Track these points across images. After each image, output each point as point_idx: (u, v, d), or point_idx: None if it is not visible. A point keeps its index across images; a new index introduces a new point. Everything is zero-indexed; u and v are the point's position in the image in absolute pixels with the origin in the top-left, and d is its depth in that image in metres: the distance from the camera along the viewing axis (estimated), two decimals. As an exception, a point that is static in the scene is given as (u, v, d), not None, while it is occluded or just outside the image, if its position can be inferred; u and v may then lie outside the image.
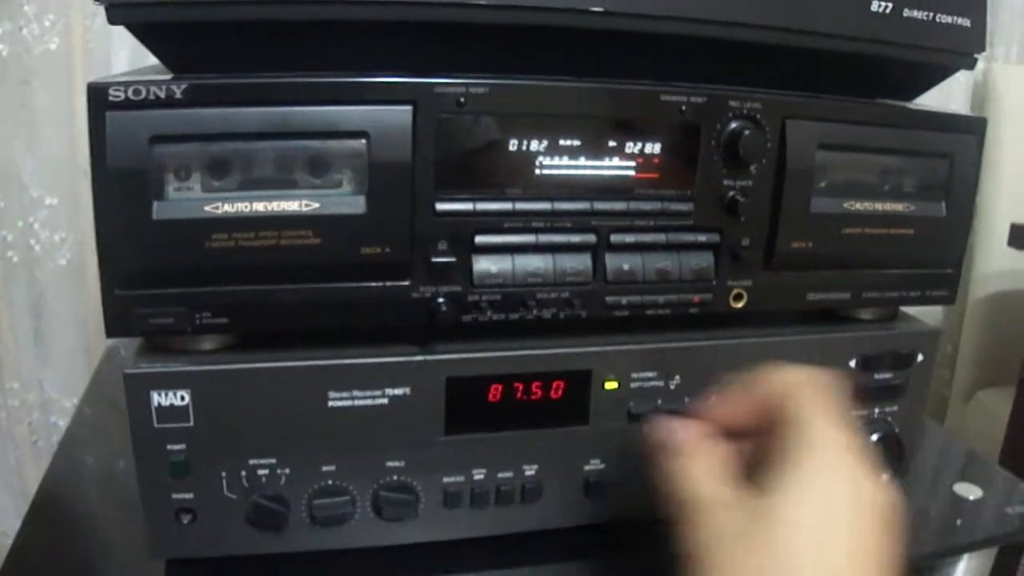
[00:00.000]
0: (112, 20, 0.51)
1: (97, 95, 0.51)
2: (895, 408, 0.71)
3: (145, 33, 0.54)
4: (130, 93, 0.51)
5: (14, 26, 1.29)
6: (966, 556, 0.75)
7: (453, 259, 0.58)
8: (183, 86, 0.51)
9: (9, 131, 1.33)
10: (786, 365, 0.51)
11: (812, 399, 0.48)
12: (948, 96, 1.76)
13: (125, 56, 1.34)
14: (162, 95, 0.51)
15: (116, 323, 0.55)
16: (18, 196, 1.35)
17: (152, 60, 0.57)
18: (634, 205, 0.61)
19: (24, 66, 1.31)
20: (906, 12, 0.61)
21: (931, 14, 0.62)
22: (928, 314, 0.75)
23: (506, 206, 0.58)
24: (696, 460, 0.50)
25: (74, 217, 1.38)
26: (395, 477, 0.60)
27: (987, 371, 1.85)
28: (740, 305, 0.65)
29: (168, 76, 0.52)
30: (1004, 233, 1.51)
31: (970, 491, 0.77)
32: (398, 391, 0.58)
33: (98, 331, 1.41)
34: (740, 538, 0.43)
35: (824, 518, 0.43)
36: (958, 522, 0.74)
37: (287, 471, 0.59)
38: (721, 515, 0.45)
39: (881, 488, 0.46)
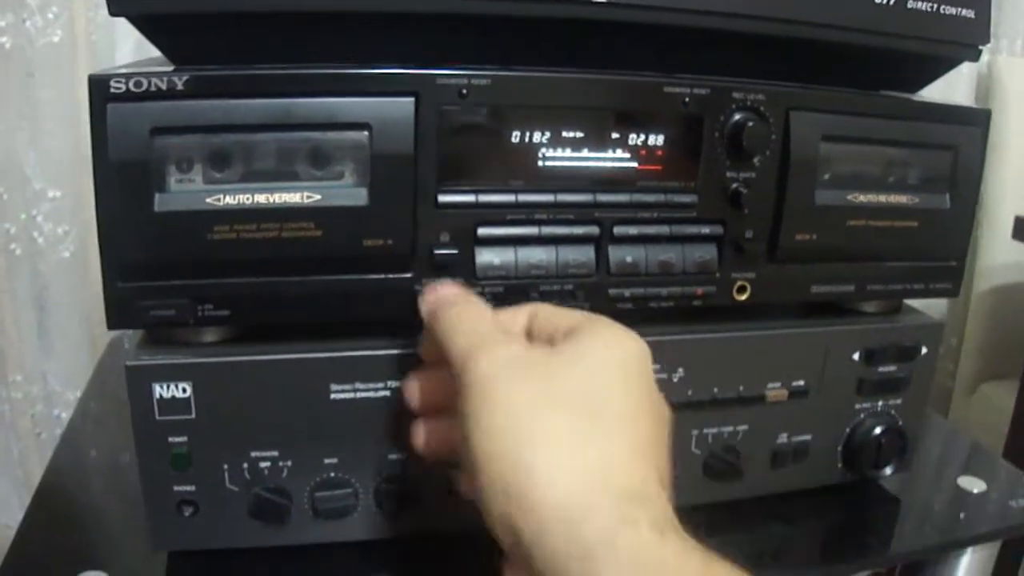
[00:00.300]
0: (113, 11, 0.51)
1: (98, 87, 0.51)
2: (899, 401, 0.71)
3: (146, 24, 0.54)
4: (131, 85, 0.51)
5: (17, 18, 1.29)
6: (970, 549, 0.75)
7: (455, 251, 0.58)
8: (184, 78, 0.51)
9: (12, 124, 1.33)
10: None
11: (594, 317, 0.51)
12: (952, 88, 1.76)
13: (129, 49, 1.34)
14: (163, 87, 0.51)
15: (118, 315, 0.55)
16: (21, 189, 1.35)
17: (156, 53, 0.57)
18: (637, 197, 0.60)
19: (27, 59, 1.31)
20: (910, 3, 0.61)
21: (935, 5, 0.62)
22: (932, 307, 0.75)
23: (509, 198, 0.58)
24: (472, 306, 0.51)
25: (77, 210, 1.38)
26: (397, 469, 0.60)
27: (991, 364, 1.85)
28: (743, 298, 0.65)
29: (169, 68, 0.52)
30: (1008, 226, 1.50)
31: (974, 484, 0.77)
32: (400, 383, 0.58)
33: (101, 323, 1.40)
34: (517, 367, 0.45)
35: (599, 364, 0.46)
36: (962, 515, 0.74)
37: (289, 463, 0.58)
38: (500, 348, 0.46)
39: (642, 345, 0.48)
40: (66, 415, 1.48)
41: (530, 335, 0.52)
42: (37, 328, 1.44)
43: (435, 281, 0.56)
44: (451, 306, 0.51)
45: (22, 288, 1.40)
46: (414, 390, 0.54)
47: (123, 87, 0.51)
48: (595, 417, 0.43)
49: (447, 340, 0.49)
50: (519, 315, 0.52)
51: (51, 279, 1.41)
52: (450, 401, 0.47)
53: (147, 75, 0.51)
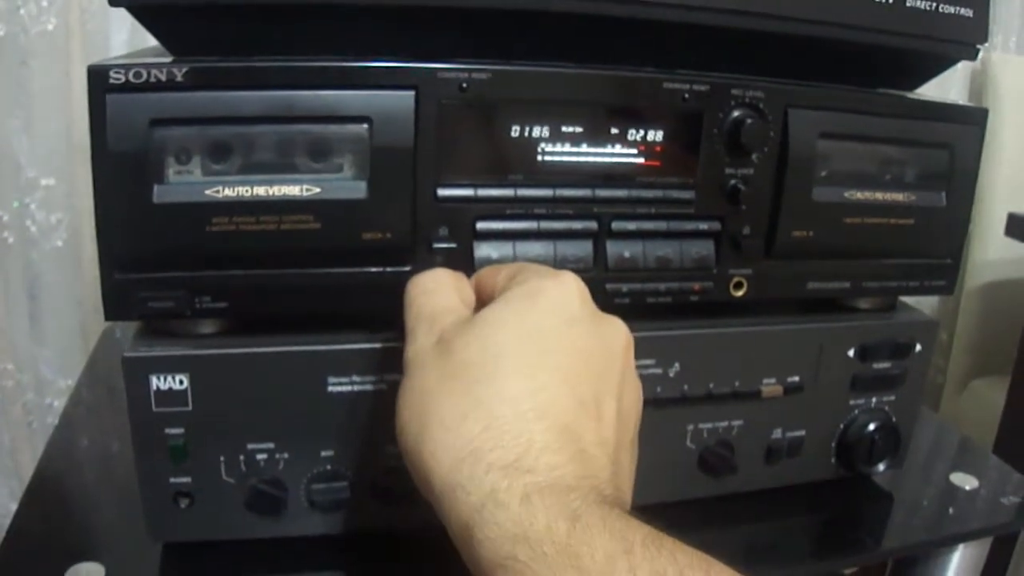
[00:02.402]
0: (114, 2, 0.51)
1: (97, 77, 0.51)
2: (892, 398, 0.72)
3: (146, 15, 0.54)
4: (131, 76, 0.51)
5: (11, 6, 1.28)
6: (961, 546, 0.75)
7: (454, 245, 0.58)
8: (184, 69, 0.51)
9: (6, 111, 1.32)
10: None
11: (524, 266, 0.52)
12: (947, 85, 1.76)
13: (124, 37, 1.33)
14: (163, 78, 0.51)
15: (115, 306, 0.55)
16: (14, 177, 1.35)
17: (151, 42, 0.57)
18: (636, 192, 0.61)
19: (21, 46, 1.30)
20: (909, 2, 0.61)
21: (934, 4, 0.62)
22: (923, 303, 0.75)
23: (508, 192, 0.58)
24: (431, 282, 0.52)
25: (70, 198, 1.37)
26: (393, 462, 0.60)
27: (982, 360, 1.86)
28: (740, 293, 0.65)
29: (169, 59, 0.52)
30: (1001, 222, 1.51)
31: (966, 481, 0.78)
32: (398, 377, 0.58)
33: (94, 312, 1.41)
34: (436, 347, 0.47)
35: (499, 327, 0.46)
36: (952, 511, 0.74)
37: (285, 455, 0.59)
38: (427, 332, 0.48)
39: (566, 286, 0.49)
40: (58, 404, 1.48)
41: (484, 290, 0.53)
42: (29, 316, 1.43)
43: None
44: (417, 276, 0.53)
45: (14, 276, 1.39)
46: None
47: (122, 78, 0.51)
48: (484, 387, 0.44)
49: (404, 311, 0.51)
50: (501, 272, 0.53)
51: (43, 268, 1.40)
52: None
53: (147, 66, 0.51)
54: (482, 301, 0.52)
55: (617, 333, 0.49)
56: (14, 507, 1.40)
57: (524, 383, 0.44)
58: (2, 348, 1.42)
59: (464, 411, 0.43)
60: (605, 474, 0.43)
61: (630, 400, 0.49)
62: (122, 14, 0.54)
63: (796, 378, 0.67)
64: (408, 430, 0.44)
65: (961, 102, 0.72)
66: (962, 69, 1.81)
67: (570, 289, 0.49)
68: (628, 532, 0.38)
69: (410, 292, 0.52)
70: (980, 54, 0.66)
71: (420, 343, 0.48)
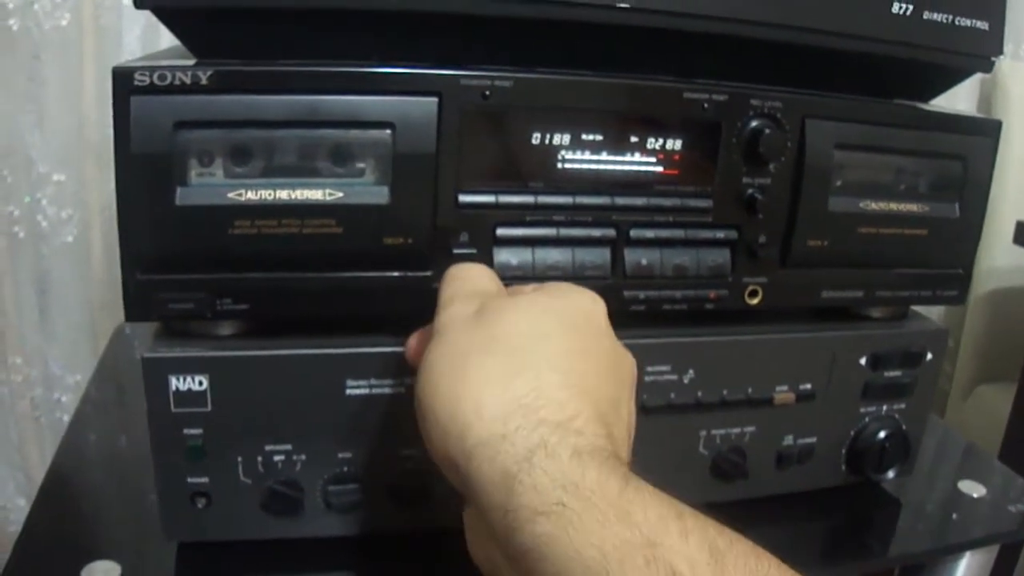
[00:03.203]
0: (139, 4, 0.51)
1: (122, 79, 0.51)
2: (903, 406, 0.72)
3: (171, 18, 0.54)
4: (155, 78, 0.51)
5: (25, 0, 1.28)
6: (967, 554, 0.75)
7: (474, 251, 0.58)
8: (209, 72, 0.51)
9: (18, 106, 1.32)
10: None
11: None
12: (956, 93, 1.75)
13: (137, 33, 1.33)
14: (187, 80, 0.51)
15: (136, 307, 0.55)
16: (26, 171, 1.35)
17: (164, 37, 0.57)
18: (654, 201, 0.61)
19: (34, 41, 1.30)
20: (926, 15, 0.61)
21: (950, 17, 0.62)
22: (931, 309, 0.76)
23: (528, 199, 0.59)
24: (474, 269, 0.54)
25: (81, 194, 1.37)
26: (410, 465, 0.60)
27: (988, 366, 1.86)
28: (755, 302, 0.65)
29: (193, 61, 0.52)
30: (1009, 230, 1.51)
31: (973, 488, 0.78)
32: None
33: (103, 308, 1.42)
34: (471, 317, 0.48)
35: (545, 307, 0.48)
36: (957, 518, 0.75)
37: (303, 457, 0.59)
38: (467, 301, 0.50)
39: (595, 300, 0.51)
40: (66, 399, 1.48)
41: None
42: (38, 311, 1.43)
43: None
44: (460, 265, 0.54)
45: (24, 271, 1.40)
46: (414, 343, 0.55)
47: (147, 80, 0.51)
48: (530, 355, 0.45)
49: (441, 288, 0.52)
50: (530, 287, 0.54)
51: (54, 263, 1.41)
52: None
53: (171, 68, 0.51)
54: None
55: (630, 357, 0.51)
56: (21, 501, 1.41)
57: (570, 364, 0.45)
58: (11, 342, 1.43)
59: (514, 370, 0.44)
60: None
61: (633, 421, 0.50)
62: (136, 12, 0.54)
63: (808, 386, 0.68)
64: (441, 385, 0.45)
65: (973, 113, 0.72)
66: (972, 77, 1.80)
67: (601, 306, 0.51)
68: (676, 501, 0.39)
69: (451, 271, 0.54)
70: (993, 68, 0.66)
71: (458, 310, 0.49)
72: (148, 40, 1.31)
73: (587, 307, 0.50)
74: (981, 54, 0.65)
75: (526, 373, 0.44)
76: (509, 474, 0.40)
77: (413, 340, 0.55)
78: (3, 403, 1.47)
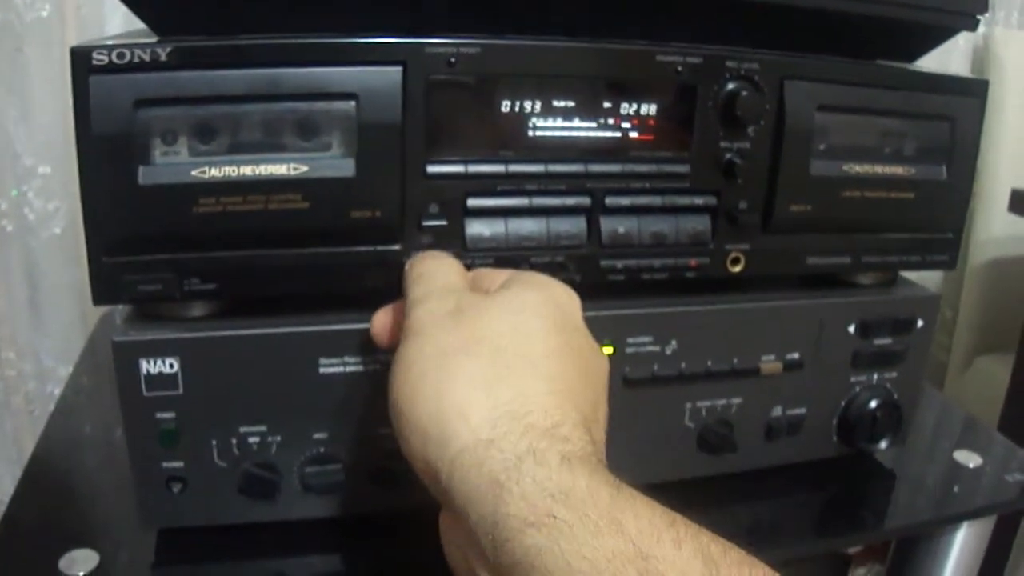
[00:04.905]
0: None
1: (80, 59, 0.50)
2: (894, 374, 0.71)
3: (130, -6, 0.53)
4: (114, 56, 0.50)
5: (5, -8, 1.28)
6: (965, 524, 0.75)
7: (445, 222, 0.57)
8: (168, 49, 0.50)
9: (2, 99, 1.31)
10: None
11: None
12: (947, 61, 1.75)
13: (118, 22, 1.32)
14: (147, 58, 0.50)
15: (103, 290, 0.54)
16: (11, 165, 1.34)
17: (142, 27, 0.56)
18: (629, 167, 0.60)
19: (15, 33, 1.30)
20: (908, -30, 0.60)
21: (933, -28, 0.61)
22: (927, 279, 0.75)
23: (498, 168, 0.57)
24: (443, 263, 0.53)
25: (68, 186, 1.37)
26: (388, 444, 0.59)
27: (986, 337, 1.85)
28: (738, 269, 0.64)
29: (153, 39, 0.51)
30: (1004, 198, 1.50)
31: (970, 459, 0.77)
32: (390, 357, 0.57)
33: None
34: (449, 316, 0.47)
35: (523, 306, 0.47)
36: (957, 489, 0.74)
37: (278, 439, 0.58)
38: (442, 299, 0.48)
39: (571, 295, 0.51)
40: (59, 392, 1.47)
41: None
42: (29, 305, 1.43)
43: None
44: (424, 256, 0.54)
45: (13, 264, 1.39)
46: (382, 320, 0.54)
47: (106, 59, 0.50)
48: (514, 358, 0.44)
49: (408, 288, 0.51)
50: (499, 276, 0.53)
51: (42, 256, 1.40)
52: None
53: (130, 46, 0.50)
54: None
55: (604, 355, 0.51)
56: (17, 495, 1.39)
57: (553, 367, 0.45)
58: (3, 337, 1.43)
59: (497, 374, 0.43)
60: None
61: (606, 422, 0.49)
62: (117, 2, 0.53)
63: (796, 355, 0.67)
64: (421, 388, 0.44)
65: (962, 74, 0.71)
66: (963, 45, 1.79)
67: (576, 301, 0.51)
68: (668, 510, 0.38)
69: (417, 268, 0.52)
70: (981, 29, 0.65)
71: (432, 308, 0.48)
72: (131, 27, 1.30)
73: (564, 301, 0.49)
74: (965, 11, 0.64)
75: (511, 377, 0.43)
76: (497, 482, 0.39)
77: (380, 317, 0.54)
78: (-3, 398, 1.47)
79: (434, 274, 0.51)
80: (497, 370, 0.43)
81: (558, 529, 0.37)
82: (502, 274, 0.52)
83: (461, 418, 0.41)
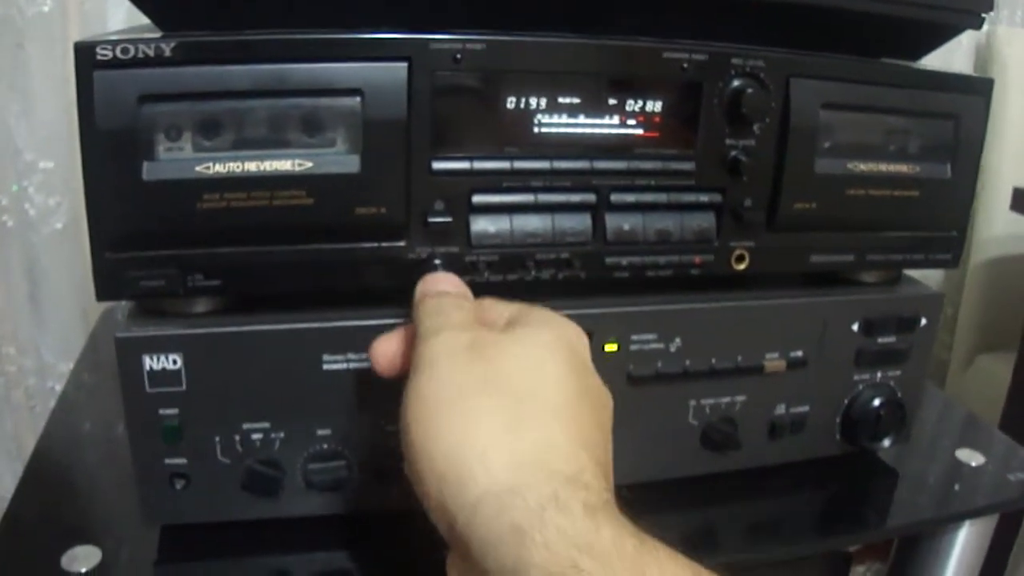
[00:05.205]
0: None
1: (84, 54, 0.50)
2: (898, 373, 0.71)
3: (134, -10, 0.53)
4: (118, 52, 0.50)
5: (6, -13, 1.28)
6: (967, 523, 0.74)
7: (450, 219, 0.57)
8: (172, 44, 0.50)
9: (3, 95, 1.31)
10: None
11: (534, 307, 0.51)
12: (951, 59, 1.74)
13: (121, 18, 1.32)
14: (151, 53, 0.50)
15: (106, 286, 0.54)
16: (12, 160, 1.34)
17: (146, 22, 0.56)
18: (635, 164, 0.60)
19: (17, 29, 1.29)
20: (914, -31, 0.60)
21: (939, -29, 0.61)
22: (929, 277, 0.74)
23: (504, 165, 0.57)
24: (456, 297, 0.52)
25: (69, 181, 1.37)
26: (391, 441, 0.59)
27: (988, 336, 1.85)
28: (742, 267, 0.64)
29: (157, 34, 0.51)
30: (1007, 197, 1.50)
31: (972, 457, 0.77)
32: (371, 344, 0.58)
33: (94, 295, 1.40)
34: (465, 350, 0.45)
35: (536, 348, 0.46)
36: (957, 488, 0.73)
37: (281, 435, 0.58)
38: (458, 333, 0.47)
39: (580, 334, 0.49)
40: (60, 387, 1.47)
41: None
42: (29, 301, 1.43)
43: (434, 272, 0.55)
44: (440, 295, 0.51)
45: (14, 260, 1.39)
46: (384, 351, 0.53)
47: (110, 54, 0.50)
48: (533, 403, 0.43)
49: (420, 321, 0.49)
50: (505, 309, 0.52)
51: (43, 251, 1.40)
52: None
53: (134, 42, 0.50)
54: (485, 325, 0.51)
55: (610, 394, 0.49)
56: (18, 491, 1.39)
57: (572, 412, 0.44)
58: (4, 333, 1.42)
59: (518, 418, 0.42)
60: None
61: None
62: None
63: (799, 353, 0.67)
64: (439, 427, 0.42)
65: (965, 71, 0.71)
66: (967, 43, 1.79)
67: (585, 340, 0.49)
68: (689, 561, 0.38)
69: (431, 298, 0.51)
70: (984, 27, 0.65)
71: (448, 340, 0.46)
72: (133, 23, 1.30)
73: (575, 341, 0.48)
74: (972, 9, 0.64)
75: (531, 422, 0.42)
76: (519, 530, 0.38)
77: (383, 345, 0.52)
78: (-2, 394, 1.47)
79: (448, 310, 0.50)
80: (517, 413, 0.42)
81: None
82: (508, 307, 0.51)
83: (481, 462, 0.40)
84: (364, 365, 0.57)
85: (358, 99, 0.53)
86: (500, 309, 0.51)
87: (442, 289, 0.52)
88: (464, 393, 0.43)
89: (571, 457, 0.41)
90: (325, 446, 0.59)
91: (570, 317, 0.58)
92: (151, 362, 0.55)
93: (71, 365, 1.46)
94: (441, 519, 0.42)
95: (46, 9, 1.29)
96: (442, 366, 0.45)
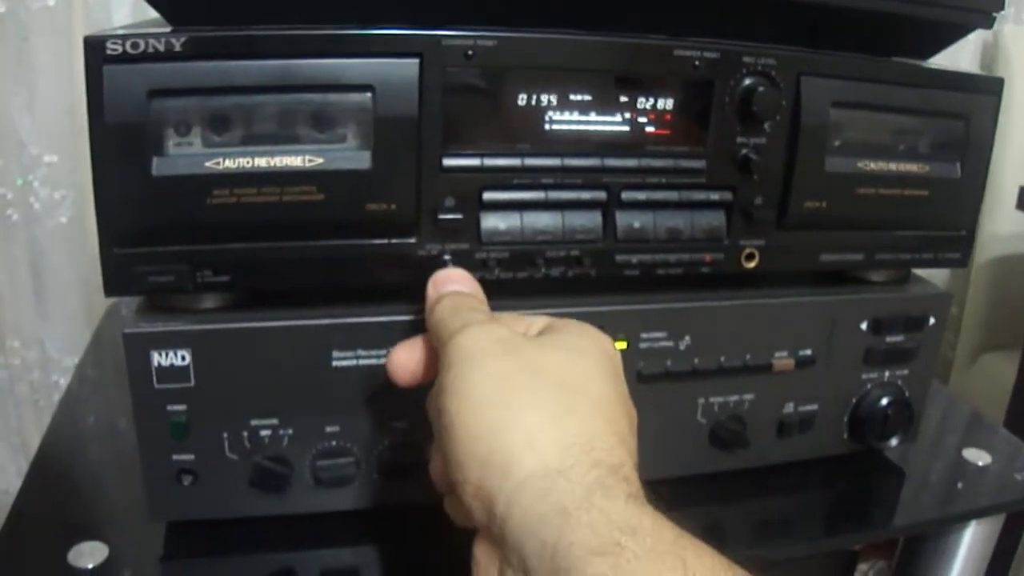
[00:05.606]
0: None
1: (94, 49, 0.50)
2: (906, 372, 0.71)
3: (145, -16, 0.53)
4: (128, 46, 0.50)
5: (12, -19, 1.28)
6: (973, 522, 0.74)
7: (460, 216, 0.57)
8: (182, 39, 0.50)
9: (7, 88, 1.31)
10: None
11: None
12: (957, 58, 1.74)
13: (125, 12, 1.32)
14: (161, 48, 0.50)
15: (115, 281, 0.54)
16: (17, 154, 1.34)
17: (153, 12, 0.56)
18: (645, 162, 0.60)
19: (22, 22, 1.30)
20: (925, -33, 0.60)
21: (949, -30, 0.61)
22: (933, 276, 0.74)
23: (515, 162, 0.57)
24: (472, 296, 0.51)
25: (74, 175, 1.37)
26: (399, 438, 0.59)
27: (992, 334, 1.85)
28: (752, 265, 0.64)
29: (167, 29, 0.51)
30: (1012, 196, 1.50)
31: (978, 456, 0.77)
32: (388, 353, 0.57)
33: (99, 289, 1.39)
34: (503, 343, 0.45)
35: (579, 350, 0.46)
36: (963, 487, 0.73)
37: (290, 432, 0.58)
38: (488, 327, 0.46)
39: (616, 351, 0.49)
40: (64, 381, 1.47)
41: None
42: (34, 294, 1.43)
43: (445, 267, 0.55)
44: (456, 293, 0.51)
45: (19, 254, 1.39)
46: (402, 361, 0.52)
47: (120, 48, 0.50)
48: (577, 395, 0.43)
49: (442, 321, 0.48)
50: (536, 321, 0.51)
51: (48, 245, 1.40)
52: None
53: (144, 36, 0.50)
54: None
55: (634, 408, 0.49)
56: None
57: (611, 410, 0.44)
58: (8, 326, 1.43)
59: (563, 405, 0.42)
60: None
61: None
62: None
63: (808, 351, 0.67)
64: (484, 413, 0.42)
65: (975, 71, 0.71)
66: (973, 42, 1.79)
67: (618, 353, 0.49)
68: (726, 559, 0.38)
69: (447, 298, 0.50)
70: (994, 24, 0.65)
71: (480, 333, 0.46)
72: (138, 17, 1.30)
73: (612, 353, 0.48)
74: (982, 9, 0.63)
75: (577, 411, 0.42)
76: (564, 511, 0.38)
77: (400, 354, 0.51)
78: (2, 387, 1.47)
79: (468, 308, 0.49)
80: (563, 402, 0.42)
81: (624, 558, 0.36)
82: (537, 319, 0.51)
83: (528, 446, 0.40)
84: (373, 362, 0.57)
85: (369, 95, 0.53)
86: (528, 320, 0.51)
87: (456, 288, 0.52)
88: (509, 377, 0.43)
89: (613, 449, 0.42)
90: (333, 443, 0.59)
91: (579, 315, 0.58)
92: (159, 358, 0.55)
93: (75, 359, 1.46)
94: (479, 501, 0.41)
95: (51, 3, 1.30)
96: (482, 357, 0.44)
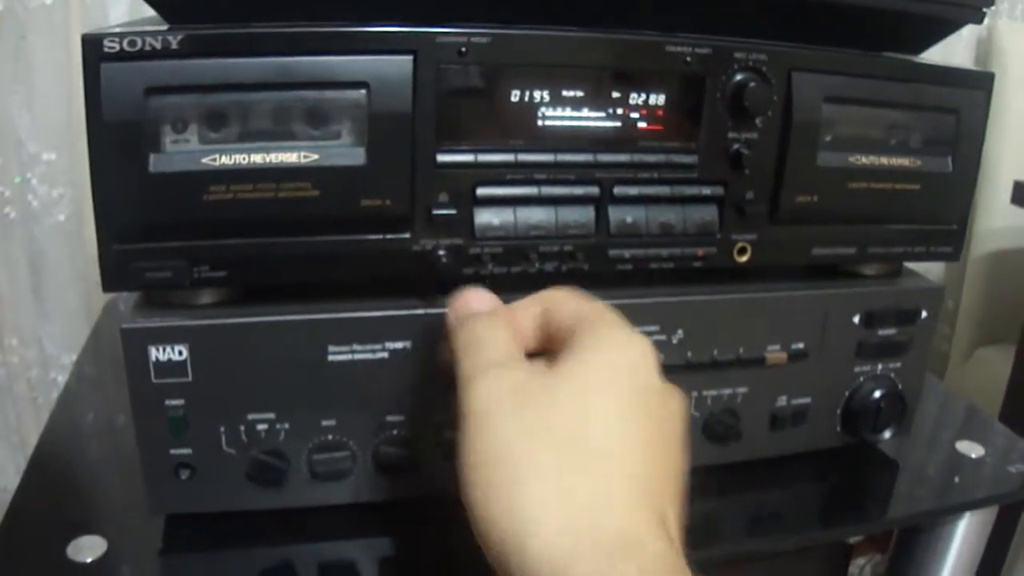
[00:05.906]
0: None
1: (92, 46, 0.50)
2: (898, 365, 0.71)
3: (142, -18, 0.53)
4: (125, 44, 0.50)
5: (9, -21, 1.28)
6: (967, 515, 0.75)
7: (454, 211, 0.57)
8: (179, 36, 0.50)
9: (6, 86, 1.31)
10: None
11: (595, 314, 0.48)
12: (951, 53, 1.74)
13: (123, 9, 1.32)
14: (158, 46, 0.50)
15: (113, 277, 0.54)
16: (15, 152, 1.34)
17: (150, 14, 0.56)
18: (638, 157, 0.60)
19: (20, 20, 1.29)
20: (915, -38, 0.60)
21: (940, -35, 0.61)
22: (929, 270, 0.75)
23: (508, 158, 0.58)
24: (490, 325, 0.48)
25: (72, 173, 1.37)
26: (396, 432, 0.60)
27: (988, 328, 1.85)
28: (744, 259, 0.64)
29: (164, 27, 0.51)
30: (1007, 190, 1.50)
31: (972, 449, 0.77)
32: (399, 345, 0.58)
33: (97, 287, 1.39)
34: (513, 396, 0.43)
35: (597, 385, 0.43)
36: (957, 479, 0.74)
37: (286, 426, 0.58)
38: (500, 377, 0.44)
39: (646, 352, 0.46)
40: (63, 379, 1.47)
41: (541, 330, 0.49)
42: (32, 292, 1.43)
43: (466, 288, 0.53)
44: (472, 321, 0.49)
45: (17, 252, 1.39)
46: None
47: (117, 46, 0.50)
48: (586, 451, 0.41)
49: (459, 357, 0.47)
50: (532, 306, 0.50)
51: (46, 243, 1.40)
52: None
53: (141, 34, 0.50)
54: (547, 333, 0.49)
55: (681, 404, 0.47)
56: (20, 482, 1.40)
57: (634, 457, 0.42)
58: (6, 323, 1.42)
59: (571, 467, 0.41)
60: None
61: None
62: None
63: (801, 345, 0.67)
64: (493, 495, 0.41)
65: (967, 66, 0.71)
66: (967, 37, 1.79)
67: (651, 359, 0.46)
68: None
69: (464, 335, 0.48)
70: (986, 20, 0.65)
71: (491, 387, 0.44)
72: (135, 15, 1.30)
73: (639, 363, 0.45)
74: (973, 4, 0.64)
75: (588, 477, 0.41)
76: None
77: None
78: (0, 385, 1.46)
79: (485, 342, 0.47)
80: (569, 465, 0.41)
81: None
82: (570, 315, 0.48)
83: (536, 524, 0.39)
84: (369, 356, 0.58)
85: (364, 92, 0.53)
86: (564, 314, 0.48)
87: (474, 311, 0.50)
88: (513, 448, 0.41)
89: (627, 513, 0.40)
90: (330, 437, 0.59)
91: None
92: (157, 353, 0.55)
93: (74, 357, 1.47)
94: (500, 569, 0.41)
95: (48, 1, 1.29)
96: (493, 422, 0.43)
